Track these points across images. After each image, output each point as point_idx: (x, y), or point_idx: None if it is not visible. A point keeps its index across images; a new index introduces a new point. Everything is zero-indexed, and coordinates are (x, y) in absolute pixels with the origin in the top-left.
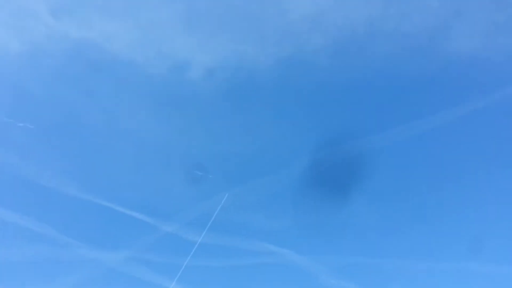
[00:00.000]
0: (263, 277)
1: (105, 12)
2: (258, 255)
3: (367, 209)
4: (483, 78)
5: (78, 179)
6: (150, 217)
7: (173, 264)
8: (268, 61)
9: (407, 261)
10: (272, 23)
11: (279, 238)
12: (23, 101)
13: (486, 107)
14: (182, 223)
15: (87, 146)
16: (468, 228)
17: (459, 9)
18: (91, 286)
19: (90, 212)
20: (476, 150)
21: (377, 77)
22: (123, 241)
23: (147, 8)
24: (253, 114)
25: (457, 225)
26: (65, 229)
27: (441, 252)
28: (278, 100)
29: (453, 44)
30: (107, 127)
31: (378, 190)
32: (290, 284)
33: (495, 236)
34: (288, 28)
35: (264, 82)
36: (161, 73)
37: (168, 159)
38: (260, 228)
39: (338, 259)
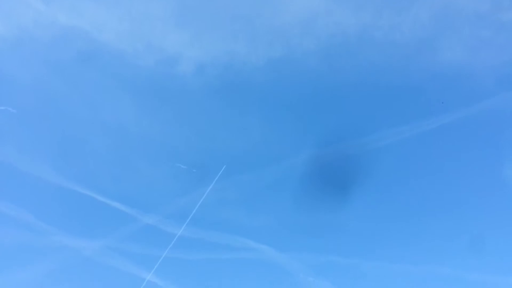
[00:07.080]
0: (241, 272)
1: (96, 1)
2: (237, 250)
3: (346, 209)
4: (466, 88)
5: (59, 166)
6: (131, 207)
7: (151, 255)
8: (258, 62)
9: (384, 262)
10: (265, 24)
11: (258, 234)
12: (5, 84)
13: (467, 116)
14: (162, 215)
15: (69, 134)
16: (442, 232)
17: (446, 24)
18: (67, 274)
19: (70, 200)
20: (457, 156)
21: (364, 82)
22: (101, 230)
23: (139, 0)
24: (240, 112)
25: (433, 228)
26: (43, 215)
27: (418, 255)
28: (267, 100)
29: (439, 55)
30: (91, 116)
31: (358, 191)
32: (267, 280)
33: (461, 242)
34: (280, 30)
35: (253, 81)
36: (149, 66)
37: (152, 151)
38: (240, 224)
39: (315, 257)
